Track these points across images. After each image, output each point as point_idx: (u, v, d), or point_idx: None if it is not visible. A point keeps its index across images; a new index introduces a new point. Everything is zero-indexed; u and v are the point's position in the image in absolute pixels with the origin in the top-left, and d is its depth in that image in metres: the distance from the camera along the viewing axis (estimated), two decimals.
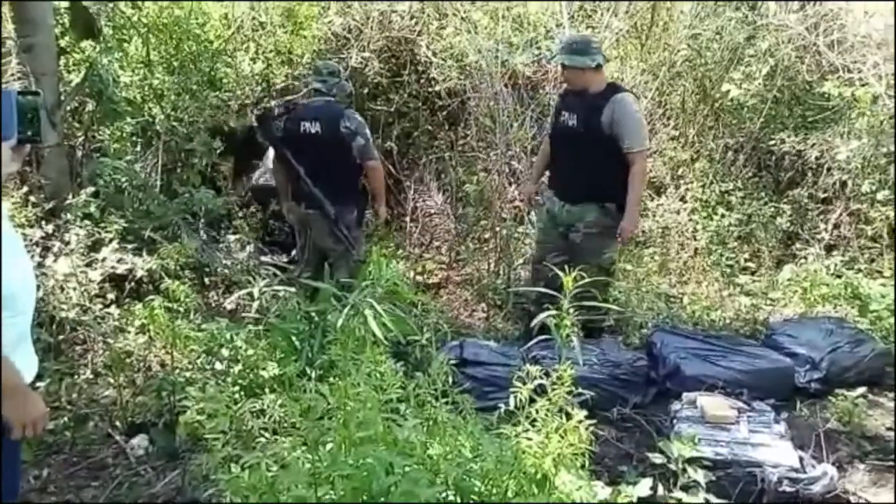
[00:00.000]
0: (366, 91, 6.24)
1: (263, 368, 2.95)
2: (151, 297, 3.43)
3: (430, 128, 6.48)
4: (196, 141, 4.95)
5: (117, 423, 3.19)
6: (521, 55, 6.04)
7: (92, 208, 4.02)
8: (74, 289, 3.57)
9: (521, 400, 2.27)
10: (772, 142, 5.93)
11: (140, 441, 3.10)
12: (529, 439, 2.15)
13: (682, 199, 5.91)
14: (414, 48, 6.35)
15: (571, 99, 4.03)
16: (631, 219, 3.92)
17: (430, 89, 6.37)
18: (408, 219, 5.84)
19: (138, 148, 5.04)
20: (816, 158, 5.66)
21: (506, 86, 5.69)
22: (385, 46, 6.36)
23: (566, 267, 2.40)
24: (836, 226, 5.60)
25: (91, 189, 4.14)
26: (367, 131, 4.13)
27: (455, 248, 5.80)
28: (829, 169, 5.60)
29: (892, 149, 5.15)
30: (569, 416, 2.20)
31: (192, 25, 5.56)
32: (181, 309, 3.51)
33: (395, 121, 6.38)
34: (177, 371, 3.20)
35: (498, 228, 5.42)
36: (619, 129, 3.83)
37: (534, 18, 6.38)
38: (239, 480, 1.90)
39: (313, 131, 4.04)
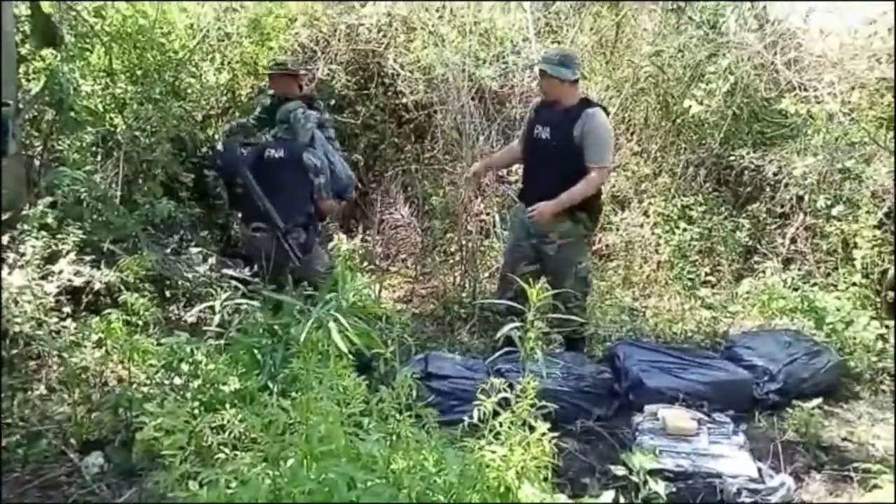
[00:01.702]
0: (332, 103, 6.23)
1: (224, 383, 2.90)
2: (109, 310, 3.35)
3: (396, 140, 6.50)
4: (158, 151, 4.87)
5: (71, 441, 3.10)
6: (488, 69, 6.09)
7: (49, 219, 3.91)
8: (29, 302, 3.47)
9: (484, 413, 2.27)
10: (731, 157, 6.06)
11: (95, 459, 3.01)
12: (493, 452, 2.15)
13: (645, 214, 6.01)
14: (381, 61, 6.36)
15: (545, 112, 4.07)
16: (549, 206, 3.91)
17: (396, 102, 6.39)
18: (374, 231, 5.82)
19: (98, 158, 4.94)
20: (774, 174, 5.79)
21: (472, 99, 5.73)
22: (352, 59, 6.37)
23: (541, 278, 2.42)
24: (793, 240, 5.73)
25: (49, 199, 4.04)
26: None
27: (421, 260, 5.80)
28: (786, 184, 5.74)
29: (847, 164, 5.30)
30: (532, 429, 2.21)
31: (156, 35, 5.49)
32: (140, 323, 3.43)
33: (361, 133, 6.38)
34: (134, 386, 3.13)
35: (464, 241, 5.43)
36: (586, 143, 3.88)
37: (501, 33, 6.45)
38: (197, 497, 1.87)
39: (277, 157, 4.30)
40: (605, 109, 4.19)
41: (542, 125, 4.03)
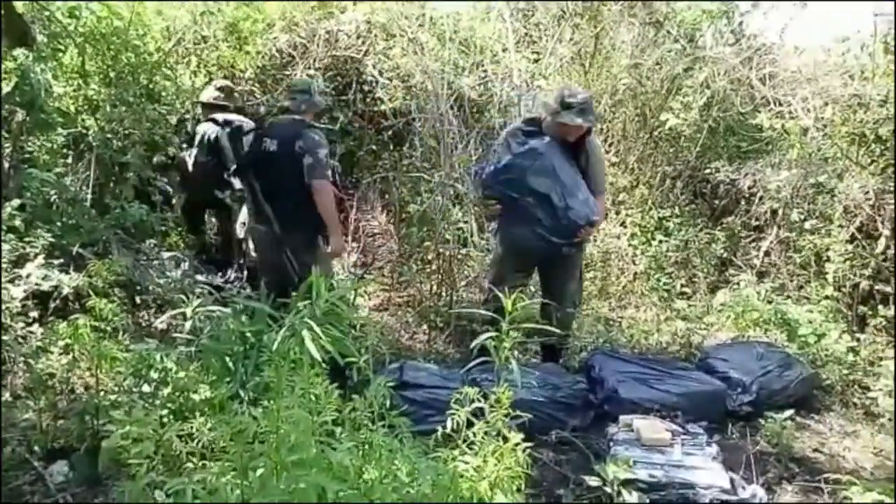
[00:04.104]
0: None
1: (195, 391, 2.84)
2: (77, 315, 3.28)
3: (374, 147, 6.47)
4: (131, 154, 4.80)
5: (36, 449, 3.01)
6: (468, 77, 6.10)
7: (17, 222, 3.84)
8: None
9: (458, 423, 2.25)
10: (707, 170, 6.13)
11: (60, 467, 2.94)
12: (466, 463, 2.13)
13: (623, 225, 6.04)
14: (360, 67, 6.34)
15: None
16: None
17: (375, 109, 6.36)
18: (350, 238, 5.78)
19: (69, 160, 4.86)
20: (749, 187, 5.87)
21: (451, 107, 5.73)
22: (331, 64, 6.34)
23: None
24: (767, 253, 5.79)
25: (17, 202, 3.96)
26: (321, 150, 3.90)
27: (398, 269, 5.76)
28: (760, 198, 5.81)
29: (820, 179, 5.37)
30: (506, 440, 2.19)
31: (130, 37, 5.42)
32: (108, 329, 3.36)
33: (339, 139, 6.34)
34: (102, 394, 3.06)
35: (441, 250, 5.41)
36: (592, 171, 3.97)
37: (480, 42, 6.47)
38: None
39: (271, 150, 3.93)
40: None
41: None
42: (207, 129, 5.20)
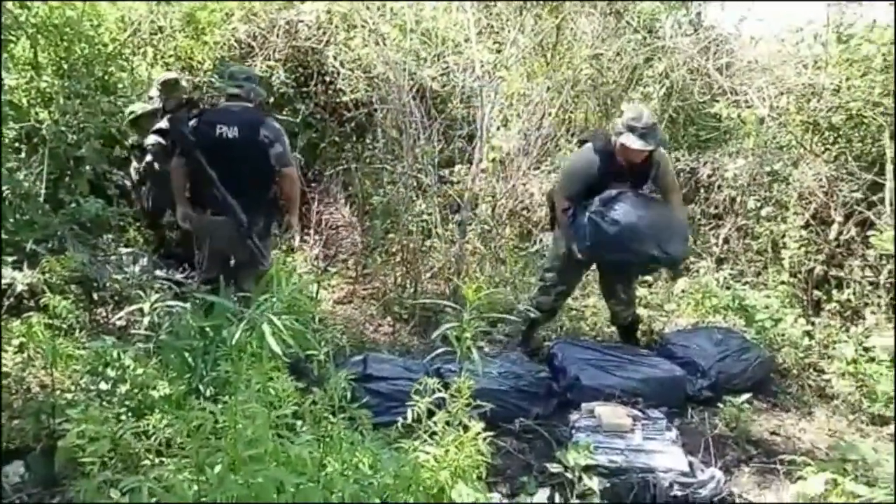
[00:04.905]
0: (271, 100, 6.12)
1: (153, 388, 2.80)
2: (31, 313, 3.21)
3: (336, 139, 6.42)
4: (86, 148, 4.69)
5: None
6: (429, 68, 6.08)
7: None
8: None
9: (419, 413, 2.26)
10: None
11: (15, 468, 2.87)
12: (427, 452, 2.14)
13: None
14: (321, 58, 6.28)
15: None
16: None
17: (337, 100, 6.31)
18: (312, 231, 5.74)
19: (22, 154, 4.73)
20: (709, 176, 5.95)
21: (413, 98, 5.71)
22: (291, 55, 6.27)
23: None
24: (726, 240, 5.90)
25: None
26: (285, 138, 3.96)
27: (361, 261, 5.74)
28: (719, 186, 5.90)
29: (775, 167, 5.48)
30: (467, 429, 2.21)
31: (84, 27, 5.29)
32: (64, 326, 3.30)
33: (301, 131, 6.28)
34: (58, 392, 3.00)
35: (405, 242, 5.40)
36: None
37: (442, 32, 6.45)
38: None
39: (230, 136, 3.84)
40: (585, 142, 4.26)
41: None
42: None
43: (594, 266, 4.44)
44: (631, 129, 3.85)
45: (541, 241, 5.93)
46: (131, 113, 5.12)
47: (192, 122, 3.89)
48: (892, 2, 4.83)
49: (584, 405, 3.43)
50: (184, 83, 5.46)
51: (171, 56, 5.95)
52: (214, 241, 3.94)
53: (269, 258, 4.09)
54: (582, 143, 4.31)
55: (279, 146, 3.89)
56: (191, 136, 3.84)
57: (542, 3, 6.59)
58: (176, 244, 5.40)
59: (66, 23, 5.17)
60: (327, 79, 6.31)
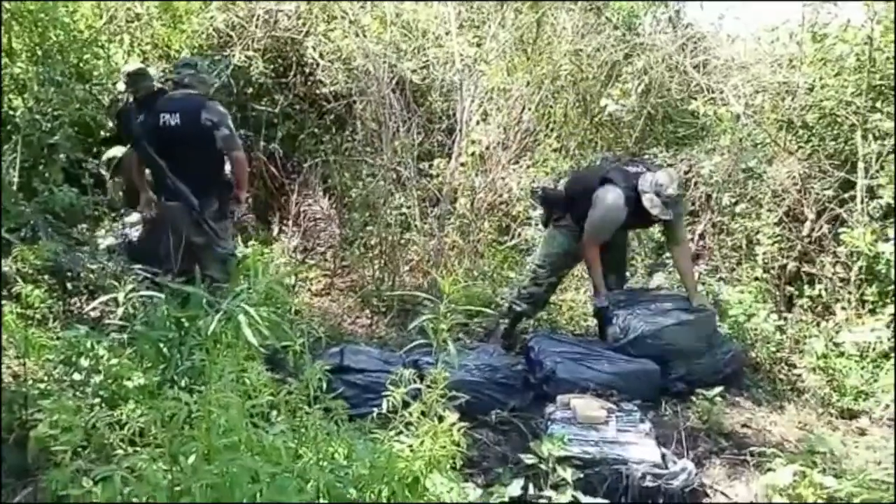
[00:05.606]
0: (249, 91, 6.07)
1: (128, 378, 2.78)
2: (3, 302, 3.17)
3: (315, 131, 6.39)
4: (60, 136, 4.63)
5: None
6: (410, 61, 6.06)
7: None
8: None
9: (394, 404, 2.26)
10: (646, 156, 6.25)
11: None
12: (402, 443, 2.15)
13: None
14: (300, 49, 6.24)
15: None
16: None
17: (316, 91, 6.28)
18: (290, 222, 5.72)
19: None
20: (685, 173, 6.00)
21: (393, 91, 5.70)
22: (270, 46, 6.22)
23: None
24: (702, 236, 5.96)
25: None
26: (230, 122, 4.07)
27: (340, 254, 5.73)
28: (695, 183, 5.95)
29: (750, 164, 5.55)
30: (442, 420, 2.22)
31: (60, 13, 5.21)
32: (37, 316, 3.26)
33: (280, 122, 6.24)
34: (30, 383, 2.96)
35: (384, 234, 5.40)
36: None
37: (422, 25, 6.44)
38: (91, 496, 1.79)
39: (173, 123, 3.98)
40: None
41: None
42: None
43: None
44: (657, 194, 4.04)
45: (519, 234, 5.96)
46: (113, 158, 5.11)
47: (141, 115, 4.00)
48: (893, 1, 4.86)
49: (559, 397, 3.45)
50: (152, 72, 5.39)
51: (147, 44, 5.88)
52: (173, 228, 4.00)
53: (230, 241, 4.23)
54: (604, 181, 4.21)
55: (224, 129, 4.02)
56: (138, 128, 4.00)
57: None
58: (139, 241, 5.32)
59: (41, 8, 5.09)
60: (307, 70, 6.28)
